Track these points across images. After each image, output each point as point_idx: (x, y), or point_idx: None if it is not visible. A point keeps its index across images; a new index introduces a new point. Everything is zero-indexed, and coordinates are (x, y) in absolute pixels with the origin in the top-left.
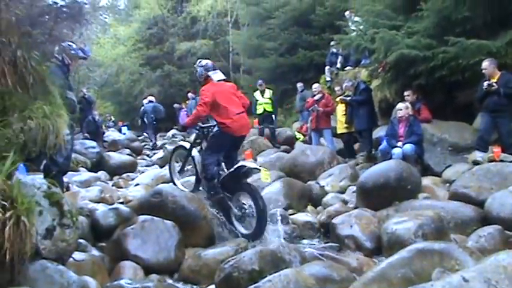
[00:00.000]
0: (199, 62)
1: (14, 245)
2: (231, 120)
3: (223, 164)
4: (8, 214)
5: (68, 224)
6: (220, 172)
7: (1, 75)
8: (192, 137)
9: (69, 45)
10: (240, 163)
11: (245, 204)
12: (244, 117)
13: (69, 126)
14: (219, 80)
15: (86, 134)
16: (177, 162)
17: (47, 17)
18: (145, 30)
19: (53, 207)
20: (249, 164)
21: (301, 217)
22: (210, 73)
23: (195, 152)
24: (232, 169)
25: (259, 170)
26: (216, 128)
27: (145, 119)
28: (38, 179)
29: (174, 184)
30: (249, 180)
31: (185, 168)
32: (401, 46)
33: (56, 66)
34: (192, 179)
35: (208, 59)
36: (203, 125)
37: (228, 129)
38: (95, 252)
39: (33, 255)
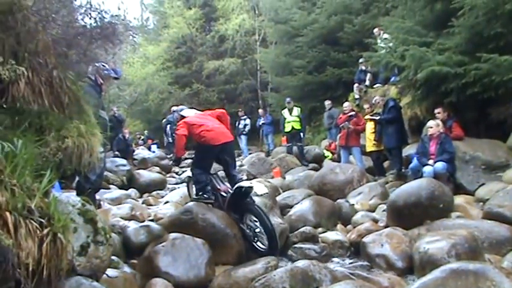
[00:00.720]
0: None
1: (51, 262)
2: (207, 131)
3: (227, 183)
4: (45, 231)
5: (101, 241)
6: (224, 192)
7: (38, 95)
8: None
9: (103, 65)
10: (237, 185)
11: (255, 224)
12: (220, 128)
13: (102, 145)
14: (190, 115)
15: (116, 152)
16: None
17: (81, 37)
18: (174, 49)
19: (87, 224)
20: (245, 183)
21: (331, 235)
22: (182, 112)
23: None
24: (231, 191)
25: (252, 187)
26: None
27: (168, 131)
28: (73, 196)
29: None
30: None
31: None
32: (432, 63)
33: (89, 86)
34: None
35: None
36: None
37: (205, 140)
38: (126, 269)
39: (69, 272)
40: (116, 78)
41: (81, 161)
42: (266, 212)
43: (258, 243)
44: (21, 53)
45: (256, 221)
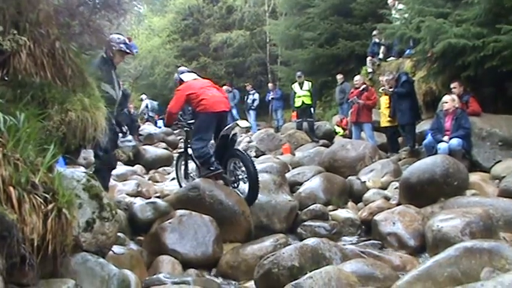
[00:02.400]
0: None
1: (56, 237)
2: (206, 99)
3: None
4: (50, 206)
5: (107, 217)
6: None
7: (40, 67)
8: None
9: (118, 38)
10: (222, 133)
11: (238, 168)
12: (219, 96)
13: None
14: (190, 79)
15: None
16: (183, 167)
17: (84, 7)
18: (180, 21)
19: (92, 200)
20: (228, 129)
21: (342, 213)
22: (182, 75)
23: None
24: (217, 141)
25: (237, 124)
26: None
27: None
28: (77, 171)
29: None
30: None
31: (189, 172)
32: (449, 35)
33: (101, 60)
34: None
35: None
36: (190, 121)
37: (205, 108)
38: (133, 246)
39: (74, 248)
40: (128, 53)
41: (86, 135)
42: (252, 158)
43: (239, 188)
44: (22, 23)
45: (240, 167)
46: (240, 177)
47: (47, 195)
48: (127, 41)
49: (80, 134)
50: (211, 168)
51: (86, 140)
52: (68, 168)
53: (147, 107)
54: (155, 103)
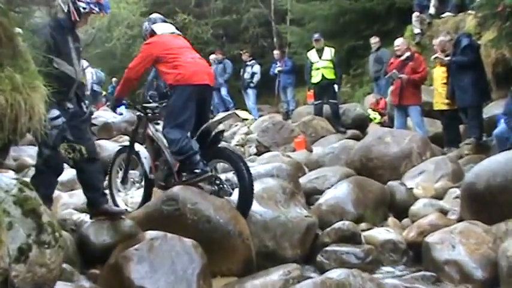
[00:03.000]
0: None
1: None
2: (184, 65)
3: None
4: None
5: (48, 241)
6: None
7: None
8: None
9: None
10: (203, 128)
11: (220, 177)
12: (203, 64)
13: (59, 105)
14: (166, 33)
15: None
16: (121, 170)
17: None
18: None
19: (27, 218)
20: (214, 121)
21: (380, 234)
22: (154, 26)
23: (139, 147)
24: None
25: (233, 114)
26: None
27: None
28: (5, 177)
29: (115, 203)
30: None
31: (128, 175)
32: None
33: (53, 24)
34: None
35: None
36: (147, 105)
37: (183, 78)
38: (84, 282)
39: (3, 286)
40: (98, 14)
41: (17, 126)
42: (244, 160)
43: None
44: None
45: (226, 170)
46: (226, 186)
47: None
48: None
49: (9, 125)
50: (196, 170)
51: (18, 132)
52: None
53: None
54: (102, 74)
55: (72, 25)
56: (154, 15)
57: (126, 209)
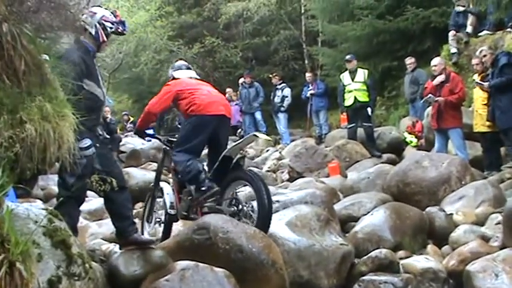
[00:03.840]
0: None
1: None
2: (200, 97)
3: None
4: None
5: (78, 273)
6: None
7: None
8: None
9: (112, 13)
10: (225, 151)
11: (239, 199)
12: (218, 95)
13: (90, 131)
14: (191, 77)
15: None
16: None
17: None
18: None
19: (56, 249)
20: (235, 146)
21: (419, 262)
22: (175, 72)
23: (163, 184)
24: (217, 164)
25: (253, 137)
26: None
27: None
28: (35, 208)
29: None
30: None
31: (154, 213)
32: None
33: (81, 45)
34: None
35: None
36: (172, 138)
37: (198, 108)
38: None
39: None
40: (121, 34)
41: (46, 156)
42: (264, 181)
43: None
44: None
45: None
46: (245, 208)
47: None
48: (120, 18)
49: (38, 155)
50: (203, 188)
51: (47, 162)
52: (21, 204)
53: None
54: (111, 100)
55: (97, 47)
56: (179, 63)
57: (156, 239)
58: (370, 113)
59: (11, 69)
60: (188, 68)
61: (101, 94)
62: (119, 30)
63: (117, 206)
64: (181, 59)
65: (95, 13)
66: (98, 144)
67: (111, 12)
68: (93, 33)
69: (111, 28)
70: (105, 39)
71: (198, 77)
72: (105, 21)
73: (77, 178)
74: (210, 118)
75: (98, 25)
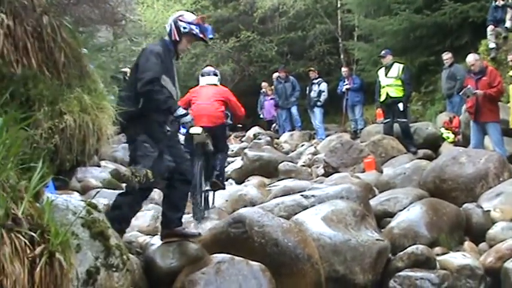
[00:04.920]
0: None
1: None
2: (193, 110)
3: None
4: (38, 250)
5: (116, 264)
6: None
7: (23, 53)
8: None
9: (189, 16)
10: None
11: None
12: (206, 108)
13: (160, 126)
14: (206, 84)
15: None
16: None
17: None
18: None
19: (95, 240)
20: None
21: (455, 259)
22: (200, 78)
23: None
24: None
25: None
26: None
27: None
28: (73, 200)
29: None
30: None
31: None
32: None
33: (163, 43)
34: None
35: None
36: None
37: None
38: None
39: None
40: (202, 40)
41: (85, 147)
42: None
43: None
44: None
45: None
46: None
47: (33, 234)
48: (201, 22)
49: (77, 146)
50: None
51: (86, 154)
52: (60, 195)
53: None
54: None
55: (174, 47)
56: (205, 69)
57: (199, 233)
58: (401, 108)
59: (51, 61)
60: (210, 74)
61: (175, 93)
62: (193, 31)
63: (176, 196)
64: (209, 65)
65: (177, 14)
66: (167, 138)
67: (201, 18)
68: (168, 31)
69: (184, 28)
70: (177, 38)
71: (216, 83)
72: (180, 21)
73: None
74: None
75: (172, 24)
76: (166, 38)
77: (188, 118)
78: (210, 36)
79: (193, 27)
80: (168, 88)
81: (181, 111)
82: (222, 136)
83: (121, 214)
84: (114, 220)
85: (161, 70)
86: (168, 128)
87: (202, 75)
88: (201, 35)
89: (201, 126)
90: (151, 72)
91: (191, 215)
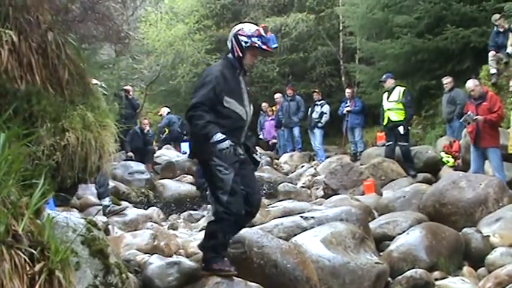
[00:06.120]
0: None
1: None
2: None
3: None
4: (37, 267)
5: (115, 283)
6: None
7: (27, 69)
8: None
9: (249, 29)
10: None
11: None
12: None
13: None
14: None
15: (130, 153)
16: None
17: None
18: (215, 0)
19: (94, 258)
20: None
21: (454, 283)
22: None
23: None
24: None
25: None
26: None
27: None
28: (73, 217)
29: None
30: None
31: None
32: None
33: (225, 62)
34: None
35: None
36: None
37: None
38: None
39: None
40: (267, 51)
41: (87, 164)
42: None
43: None
44: (4, 8)
45: None
46: None
47: (33, 251)
48: (262, 33)
49: (79, 164)
50: None
51: (88, 171)
52: (60, 212)
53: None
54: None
55: (239, 63)
56: None
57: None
58: (402, 132)
59: (54, 78)
60: None
61: (244, 113)
62: (255, 45)
63: (236, 228)
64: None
65: (236, 28)
66: (240, 164)
67: (262, 28)
68: (230, 47)
69: (246, 43)
70: (240, 54)
71: None
72: (241, 35)
73: (229, 194)
74: None
75: (233, 40)
76: (229, 55)
77: (225, 144)
78: (274, 45)
79: (254, 39)
80: (233, 109)
81: (217, 137)
82: None
83: (217, 242)
84: (211, 249)
85: (217, 93)
86: (240, 152)
87: None
88: (264, 47)
89: None
90: (195, 98)
91: None
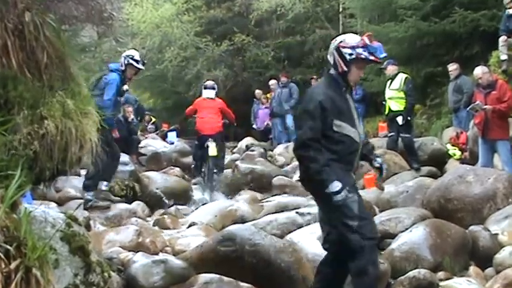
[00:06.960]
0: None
1: None
2: (199, 121)
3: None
4: (13, 264)
5: (96, 282)
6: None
7: (2, 51)
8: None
9: (354, 40)
10: None
11: None
12: (206, 121)
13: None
14: (206, 98)
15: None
16: None
17: None
18: None
19: (74, 255)
20: None
21: (460, 284)
22: (203, 90)
23: None
24: None
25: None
26: None
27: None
28: (52, 211)
29: None
30: None
31: None
32: None
33: (328, 80)
34: None
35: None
36: None
37: (197, 128)
38: None
39: None
40: (375, 62)
41: (67, 155)
42: None
43: None
44: None
45: None
46: None
47: (9, 248)
48: (367, 42)
49: (58, 154)
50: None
51: (67, 162)
52: (38, 206)
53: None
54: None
55: (344, 79)
56: (209, 83)
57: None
58: (400, 122)
59: (32, 62)
60: (210, 88)
61: (356, 135)
62: (361, 56)
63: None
64: (209, 80)
65: (337, 40)
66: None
67: (367, 37)
68: (332, 62)
69: (351, 55)
70: (344, 68)
71: (213, 97)
72: (343, 47)
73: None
74: (201, 135)
75: (335, 53)
76: (332, 71)
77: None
78: (382, 55)
79: (359, 51)
80: (344, 132)
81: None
82: (221, 139)
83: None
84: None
85: (321, 122)
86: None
87: (205, 88)
88: (372, 57)
89: (205, 134)
90: (302, 133)
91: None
